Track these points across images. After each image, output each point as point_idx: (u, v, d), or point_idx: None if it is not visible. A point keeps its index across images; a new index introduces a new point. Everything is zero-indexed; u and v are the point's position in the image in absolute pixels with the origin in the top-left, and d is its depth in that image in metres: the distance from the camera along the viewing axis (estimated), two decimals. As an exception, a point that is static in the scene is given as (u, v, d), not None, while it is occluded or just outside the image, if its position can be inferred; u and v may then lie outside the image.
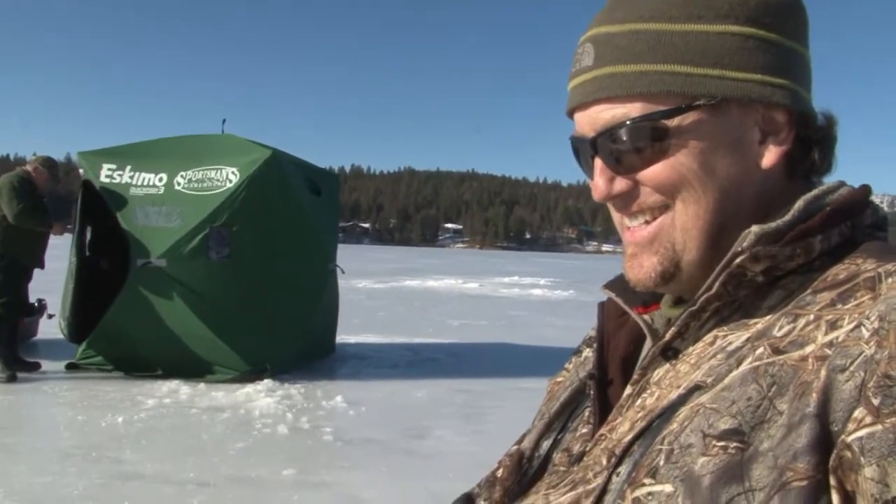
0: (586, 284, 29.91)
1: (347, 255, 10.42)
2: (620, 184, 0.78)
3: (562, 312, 17.48)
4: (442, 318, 15.08)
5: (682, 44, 0.74)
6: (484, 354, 10.51)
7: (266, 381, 7.49)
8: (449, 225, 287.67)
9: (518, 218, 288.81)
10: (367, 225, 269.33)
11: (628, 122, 0.75)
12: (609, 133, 0.77)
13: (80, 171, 8.25)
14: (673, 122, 0.74)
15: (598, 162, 0.79)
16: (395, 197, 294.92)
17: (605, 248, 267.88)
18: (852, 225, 0.74)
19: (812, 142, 0.78)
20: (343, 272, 9.92)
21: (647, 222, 0.79)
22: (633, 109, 0.75)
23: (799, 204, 0.72)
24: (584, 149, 0.81)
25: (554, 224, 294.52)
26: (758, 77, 0.74)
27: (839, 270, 0.69)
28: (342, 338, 10.19)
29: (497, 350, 11.03)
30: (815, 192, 0.74)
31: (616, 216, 0.83)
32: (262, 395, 7.02)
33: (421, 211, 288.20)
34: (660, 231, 0.78)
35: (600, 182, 0.79)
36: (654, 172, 0.76)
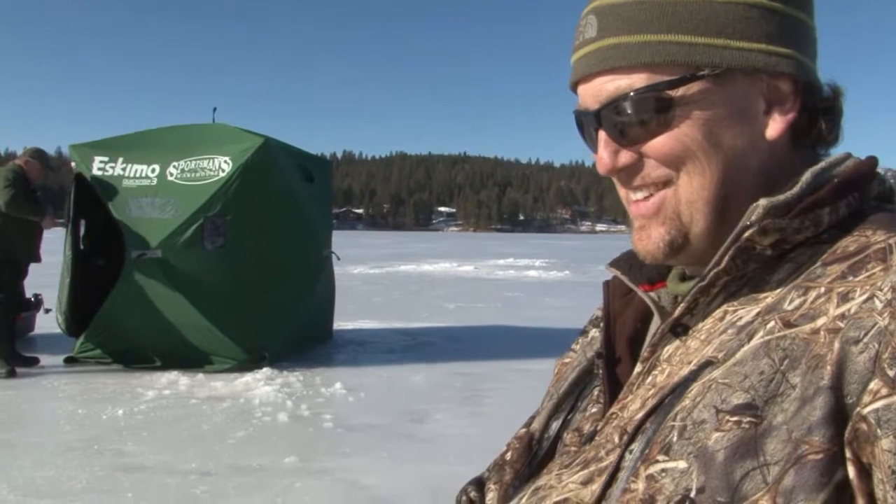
0: (581, 265, 29.98)
1: (341, 241, 10.40)
2: (625, 156, 0.78)
3: (557, 293, 17.51)
4: (438, 301, 15.09)
5: (685, 13, 0.73)
6: (481, 337, 10.54)
7: (264, 369, 7.50)
8: (442, 208, 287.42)
9: (511, 200, 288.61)
10: (360, 210, 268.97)
11: (632, 94, 0.74)
12: (613, 105, 0.76)
13: (73, 164, 8.22)
14: (677, 93, 0.73)
15: (602, 135, 0.78)
16: (388, 182, 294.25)
17: (599, 227, 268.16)
18: (860, 196, 0.73)
19: (818, 112, 0.77)
20: (339, 258, 9.93)
21: (651, 195, 0.78)
22: (638, 80, 0.74)
23: (807, 176, 0.72)
24: (588, 122, 0.80)
25: (547, 205, 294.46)
26: (762, 46, 0.73)
27: (848, 242, 0.69)
28: (339, 324, 10.20)
29: (494, 332, 11.06)
30: (822, 163, 0.74)
31: (622, 191, 0.83)
32: (261, 384, 7.04)
33: (414, 195, 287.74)
34: (663, 202, 0.77)
35: (605, 155, 0.78)
36: (659, 144, 0.75)
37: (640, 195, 0.79)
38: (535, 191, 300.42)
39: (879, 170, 0.77)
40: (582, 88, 0.80)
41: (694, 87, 0.73)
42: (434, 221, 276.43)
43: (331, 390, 6.90)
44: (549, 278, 22.77)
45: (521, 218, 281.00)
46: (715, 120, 0.74)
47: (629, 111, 0.75)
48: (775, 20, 0.74)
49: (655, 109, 0.74)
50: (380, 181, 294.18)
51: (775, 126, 0.75)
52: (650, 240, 0.79)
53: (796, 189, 0.71)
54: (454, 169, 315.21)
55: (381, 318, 11.88)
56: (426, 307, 13.92)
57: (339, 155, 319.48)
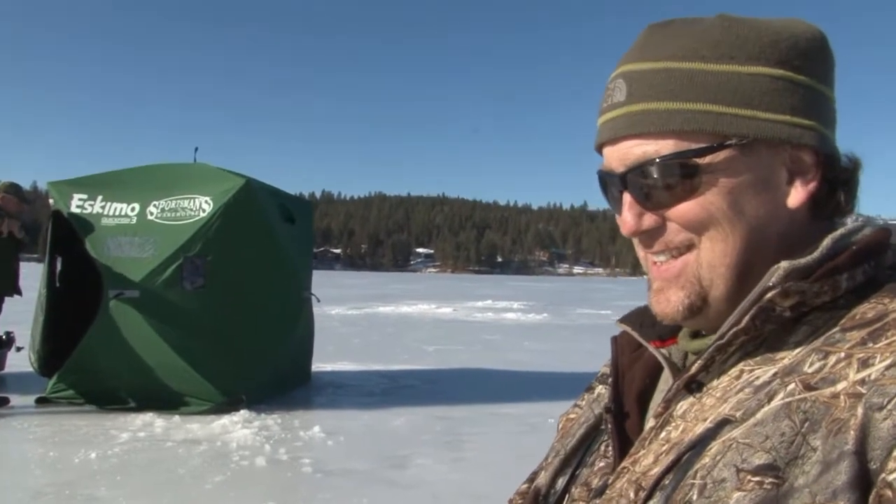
0: (559, 307, 30.03)
1: (319, 281, 10.35)
2: (649, 220, 0.79)
3: (536, 336, 17.50)
4: (417, 343, 15.01)
5: (714, 83, 0.75)
6: (461, 380, 10.46)
7: (242, 411, 7.38)
8: (420, 249, 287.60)
9: (489, 241, 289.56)
10: (338, 250, 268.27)
11: (659, 160, 0.76)
12: (640, 169, 0.78)
13: (51, 201, 8.14)
14: (704, 161, 0.75)
15: (626, 197, 0.80)
16: (367, 222, 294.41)
17: (577, 269, 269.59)
18: (875, 265, 0.75)
19: (838, 183, 0.79)
20: (318, 301, 9.87)
21: (673, 257, 0.80)
22: (665, 146, 0.76)
23: (826, 242, 0.73)
24: (613, 183, 0.82)
25: (525, 247, 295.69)
26: (787, 118, 0.75)
27: (866, 309, 0.70)
28: (318, 366, 10.10)
29: (474, 375, 10.98)
30: (841, 230, 0.76)
31: (641, 252, 0.84)
32: (238, 427, 6.91)
33: (392, 236, 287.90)
34: (685, 267, 0.79)
35: (629, 217, 0.80)
36: (684, 210, 0.77)
37: (661, 258, 0.81)
38: (514, 233, 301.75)
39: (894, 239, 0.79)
40: (608, 150, 0.82)
41: (720, 156, 0.75)
42: (412, 262, 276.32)
43: (309, 434, 6.80)
44: (527, 321, 22.75)
45: (500, 260, 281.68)
46: (739, 188, 0.76)
47: (656, 175, 0.77)
48: (799, 93, 0.76)
49: (681, 175, 0.76)
50: (358, 221, 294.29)
51: (797, 196, 0.77)
52: (669, 303, 0.80)
53: (817, 254, 0.72)
54: (433, 210, 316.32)
55: (360, 360, 11.78)
56: (405, 349, 13.83)
57: (319, 195, 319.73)
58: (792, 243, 0.77)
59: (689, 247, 0.78)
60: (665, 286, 0.81)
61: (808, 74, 0.77)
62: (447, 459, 6.16)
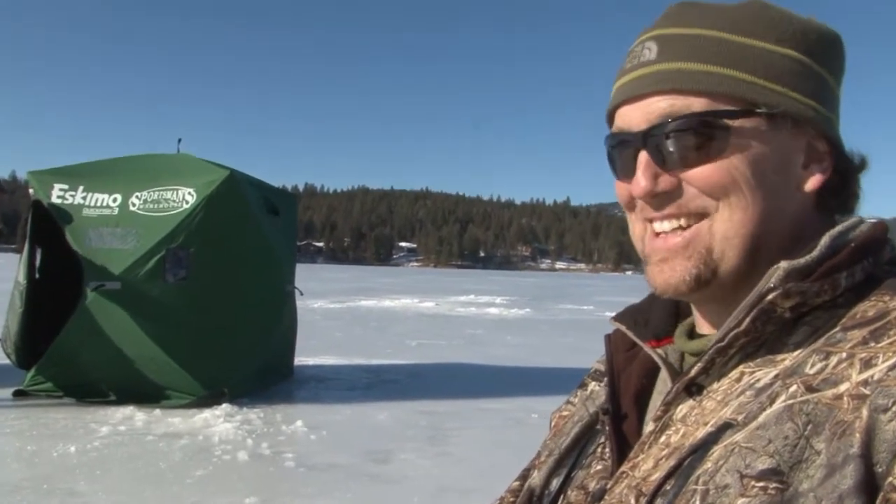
0: (541, 302, 30.16)
1: (302, 275, 10.32)
2: (665, 181, 0.77)
3: (518, 330, 17.57)
4: (400, 337, 15.01)
5: (748, 54, 0.76)
6: (444, 374, 10.47)
7: (224, 405, 7.33)
8: (403, 244, 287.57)
9: (472, 236, 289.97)
10: (320, 244, 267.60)
11: (688, 115, 0.75)
12: (666, 124, 0.76)
13: (31, 191, 8.03)
14: (734, 123, 0.74)
15: (643, 157, 0.77)
16: (349, 215, 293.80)
17: (559, 265, 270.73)
18: (874, 261, 0.74)
19: (849, 174, 0.80)
20: (302, 294, 9.82)
21: (682, 227, 0.77)
22: (697, 104, 0.75)
23: (825, 240, 0.72)
24: (629, 143, 0.79)
25: (508, 242, 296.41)
26: (812, 103, 0.76)
27: (867, 308, 0.69)
28: (300, 359, 10.07)
29: (456, 370, 10.99)
30: (838, 228, 0.75)
31: (639, 225, 0.82)
32: (220, 421, 6.87)
33: (375, 229, 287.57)
34: (696, 237, 0.76)
35: (643, 178, 0.77)
36: (706, 172, 0.75)
37: (667, 226, 0.78)
38: (496, 228, 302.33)
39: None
40: (627, 109, 0.79)
41: (750, 122, 0.75)
42: (395, 256, 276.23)
43: (292, 428, 6.76)
44: (509, 316, 22.83)
45: (482, 254, 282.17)
46: (764, 159, 0.75)
47: (682, 132, 0.75)
48: (820, 83, 0.78)
49: (709, 136, 0.74)
50: (341, 215, 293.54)
51: (812, 181, 0.78)
52: (674, 272, 0.77)
53: (816, 253, 0.71)
54: (416, 204, 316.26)
55: (343, 354, 11.75)
56: (388, 343, 13.82)
57: (301, 187, 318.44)
58: (800, 229, 0.77)
59: (703, 215, 0.76)
60: (670, 256, 0.78)
61: (828, 69, 0.79)
62: (431, 454, 6.15)
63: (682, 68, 0.76)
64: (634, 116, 0.78)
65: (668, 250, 0.78)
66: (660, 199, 0.78)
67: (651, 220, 0.80)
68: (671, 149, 0.75)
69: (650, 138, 0.76)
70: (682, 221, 0.77)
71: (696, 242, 0.76)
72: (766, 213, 0.75)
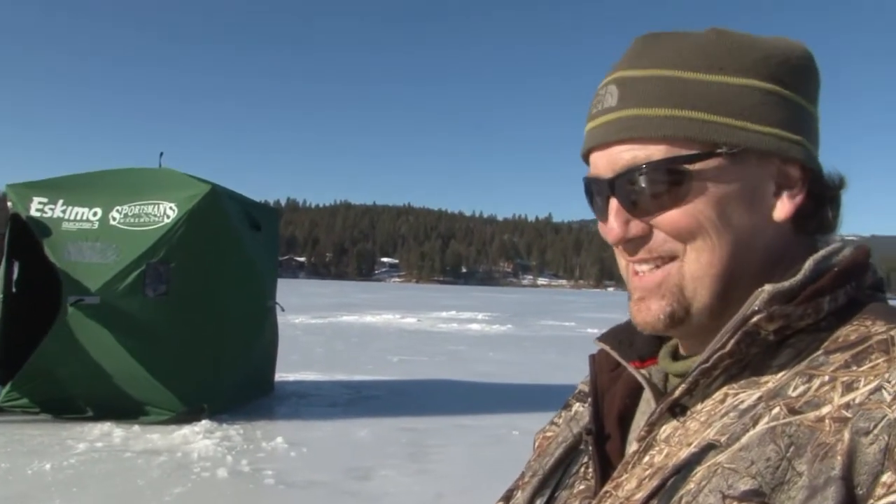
0: (524, 319, 30.17)
1: (283, 289, 10.27)
2: (636, 227, 0.78)
3: (500, 347, 17.57)
4: (381, 353, 14.96)
5: (706, 93, 0.75)
6: (425, 391, 10.44)
7: (203, 421, 7.27)
8: (385, 259, 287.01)
9: (454, 252, 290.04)
10: (302, 259, 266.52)
11: (648, 165, 0.75)
12: (629, 174, 0.76)
13: (9, 204, 7.95)
14: (694, 167, 0.74)
15: (613, 204, 0.78)
16: (331, 230, 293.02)
17: (541, 281, 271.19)
18: (856, 285, 0.75)
19: (824, 199, 0.80)
20: (283, 310, 9.78)
21: (656, 267, 0.79)
22: (656, 152, 0.75)
23: (809, 264, 0.73)
24: (601, 189, 0.80)
25: (490, 258, 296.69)
26: (776, 131, 0.76)
27: (849, 332, 0.70)
28: (281, 375, 10.01)
29: (438, 386, 10.96)
30: (822, 252, 0.75)
31: (623, 261, 0.83)
32: (199, 437, 6.80)
33: (357, 245, 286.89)
34: (668, 277, 0.77)
35: (615, 225, 0.78)
36: (672, 218, 0.76)
37: (644, 267, 0.79)
38: (478, 243, 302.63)
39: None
40: (596, 156, 0.81)
41: (710, 164, 0.75)
42: (377, 272, 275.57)
43: (272, 445, 6.71)
44: (491, 332, 22.81)
45: (464, 270, 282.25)
46: (728, 198, 0.75)
47: (644, 181, 0.76)
48: (788, 109, 0.77)
49: (671, 182, 0.75)
50: (323, 230, 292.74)
51: (783, 208, 0.77)
52: (650, 311, 0.79)
53: (800, 276, 0.72)
54: (398, 220, 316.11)
55: (324, 370, 11.70)
56: (370, 359, 13.77)
57: (283, 202, 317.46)
58: (776, 257, 0.77)
59: (673, 257, 0.77)
60: (646, 295, 0.79)
61: (796, 91, 0.78)
62: (411, 471, 6.12)
63: (639, 115, 0.76)
64: (602, 164, 0.80)
65: (644, 289, 0.79)
66: (632, 244, 0.79)
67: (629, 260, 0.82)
68: (637, 196, 0.77)
69: (617, 187, 0.78)
70: (657, 262, 0.78)
71: (669, 282, 0.77)
72: (734, 250, 0.76)
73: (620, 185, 0.77)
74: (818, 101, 0.81)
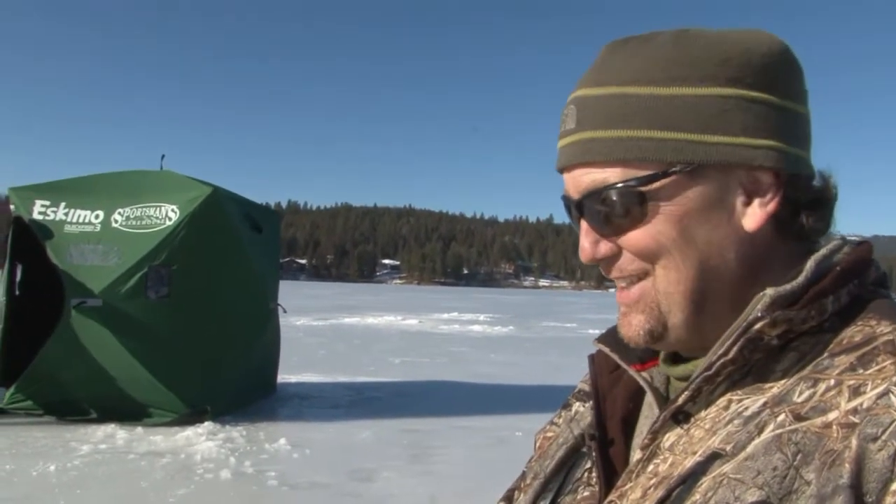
0: (525, 320, 30.12)
1: (285, 291, 10.27)
2: (605, 247, 0.78)
3: (502, 348, 17.56)
4: (383, 355, 14.96)
5: (663, 108, 0.73)
6: (427, 392, 10.44)
7: (206, 423, 7.29)
8: (386, 261, 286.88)
9: (455, 253, 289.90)
10: (303, 261, 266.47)
11: (605, 188, 0.75)
12: (591, 197, 0.76)
13: (12, 206, 7.98)
14: (650, 188, 0.73)
15: (584, 224, 0.79)
16: (332, 232, 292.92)
17: (542, 282, 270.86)
18: (860, 283, 0.74)
19: (800, 204, 0.76)
20: (284, 311, 9.79)
21: (631, 283, 0.78)
22: (612, 175, 0.74)
23: (810, 265, 0.71)
24: (570, 209, 0.81)
25: (491, 259, 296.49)
26: (739, 140, 0.72)
27: (853, 332, 0.69)
28: (283, 377, 10.01)
29: (440, 388, 10.97)
30: (823, 251, 0.73)
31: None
32: (202, 439, 6.82)
33: (358, 247, 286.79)
34: (643, 293, 0.77)
35: (586, 244, 0.79)
36: (634, 239, 0.75)
37: (623, 283, 0.79)
38: (479, 245, 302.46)
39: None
40: (565, 176, 0.81)
41: (666, 183, 0.73)
42: (378, 273, 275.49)
43: (275, 446, 6.73)
44: (493, 333, 22.80)
45: (466, 272, 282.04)
46: (689, 215, 0.73)
47: (604, 204, 0.75)
48: (753, 112, 0.73)
49: (628, 204, 0.74)
50: (324, 232, 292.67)
51: (754, 218, 0.74)
52: (631, 326, 0.79)
53: (801, 279, 0.70)
54: (399, 221, 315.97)
55: (326, 372, 11.70)
56: (371, 361, 13.78)
57: (285, 204, 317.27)
58: (757, 265, 0.75)
59: (645, 274, 0.77)
60: (628, 311, 0.79)
61: (766, 90, 0.73)
62: (413, 472, 6.14)
63: (594, 137, 0.75)
64: (570, 185, 0.80)
65: (625, 304, 0.79)
66: (604, 263, 0.79)
67: None
68: (600, 219, 0.76)
69: (585, 208, 0.78)
70: (632, 279, 0.78)
71: (647, 298, 0.77)
72: (702, 267, 0.74)
73: (586, 207, 0.77)
74: (800, 95, 0.77)
